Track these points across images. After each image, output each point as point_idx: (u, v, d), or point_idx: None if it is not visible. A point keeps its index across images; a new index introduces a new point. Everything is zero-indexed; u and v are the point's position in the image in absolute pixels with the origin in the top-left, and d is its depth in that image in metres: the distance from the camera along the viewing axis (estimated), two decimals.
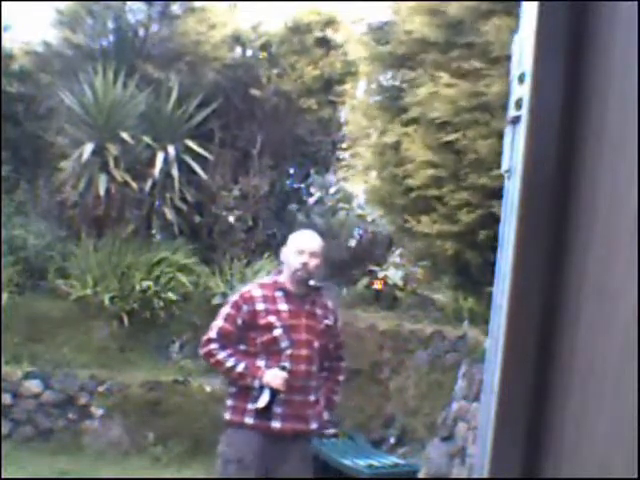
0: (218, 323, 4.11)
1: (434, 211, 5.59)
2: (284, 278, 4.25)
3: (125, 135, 9.12)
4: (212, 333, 4.09)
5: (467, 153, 5.20)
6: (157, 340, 8.59)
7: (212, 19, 10.54)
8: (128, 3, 10.44)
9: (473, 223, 5.25)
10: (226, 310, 4.14)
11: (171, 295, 8.57)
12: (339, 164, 10.70)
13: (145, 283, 8.55)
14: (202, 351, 4.14)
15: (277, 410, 4.01)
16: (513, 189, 1.01)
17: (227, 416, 4.13)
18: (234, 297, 4.24)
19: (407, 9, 5.76)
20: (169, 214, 9.60)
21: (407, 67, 5.81)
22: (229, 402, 4.14)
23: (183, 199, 9.68)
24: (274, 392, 3.97)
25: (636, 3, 0.90)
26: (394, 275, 8.97)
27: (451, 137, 5.24)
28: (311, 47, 10.47)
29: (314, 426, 4.18)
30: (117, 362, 8.19)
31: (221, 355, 4.05)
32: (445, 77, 5.19)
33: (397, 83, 6.03)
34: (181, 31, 10.32)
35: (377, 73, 6.41)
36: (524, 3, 1.02)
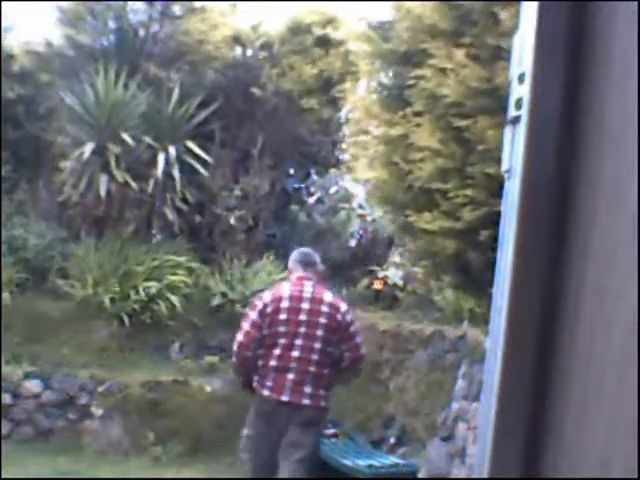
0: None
1: (437, 207, 5.58)
2: None
3: (126, 135, 9.12)
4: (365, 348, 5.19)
5: (476, 143, 5.17)
6: (157, 340, 8.58)
7: (212, 19, 10.54)
8: (129, 3, 10.45)
9: (476, 221, 5.24)
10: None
11: (172, 297, 8.57)
12: (339, 163, 10.70)
13: (145, 283, 8.55)
14: (362, 363, 5.18)
15: None
16: (513, 189, 1.01)
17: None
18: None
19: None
20: (170, 214, 9.60)
21: (410, 63, 5.80)
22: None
23: (184, 199, 9.68)
24: None
25: (636, 3, 0.90)
26: (394, 275, 8.97)
27: (462, 123, 5.21)
28: (311, 47, 10.47)
29: None
30: (117, 362, 8.19)
31: None
32: (460, 54, 5.15)
33: (399, 80, 6.03)
34: (182, 31, 10.32)
35: (379, 71, 6.41)
36: (524, 3, 1.02)
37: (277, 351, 4.83)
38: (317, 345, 4.87)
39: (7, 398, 7.56)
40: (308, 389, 4.84)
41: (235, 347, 4.91)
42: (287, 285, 5.12)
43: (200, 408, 7.72)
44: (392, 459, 6.59)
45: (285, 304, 4.87)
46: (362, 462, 6.30)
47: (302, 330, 4.85)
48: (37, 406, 7.68)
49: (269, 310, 4.85)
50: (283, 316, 4.85)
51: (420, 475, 6.23)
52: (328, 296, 5.03)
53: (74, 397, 7.74)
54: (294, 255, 5.28)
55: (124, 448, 7.55)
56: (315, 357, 4.87)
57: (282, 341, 4.84)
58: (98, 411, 7.69)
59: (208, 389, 7.87)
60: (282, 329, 4.84)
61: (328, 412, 5.18)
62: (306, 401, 4.84)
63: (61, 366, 7.92)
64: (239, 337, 4.87)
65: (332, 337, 4.90)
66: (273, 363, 4.84)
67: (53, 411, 7.70)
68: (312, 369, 4.86)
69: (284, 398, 4.81)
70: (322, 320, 4.88)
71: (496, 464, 1.01)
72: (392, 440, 7.09)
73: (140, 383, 7.80)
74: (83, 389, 7.78)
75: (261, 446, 5.01)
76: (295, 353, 4.84)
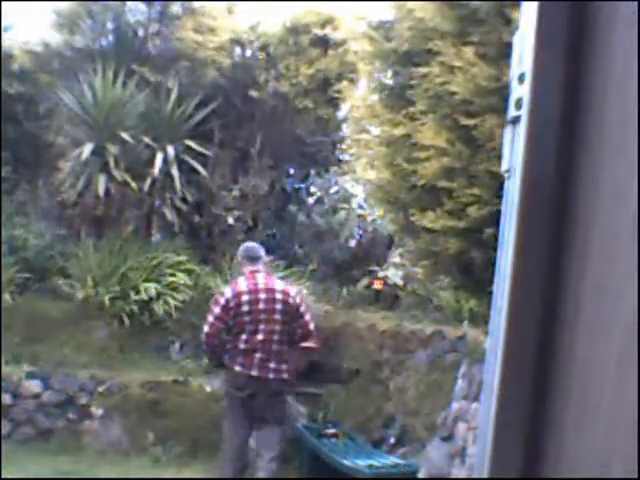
0: None
1: (440, 206, 5.57)
2: None
3: (125, 135, 9.12)
4: None
5: (484, 142, 5.16)
6: (157, 340, 8.58)
7: (211, 19, 10.53)
8: (127, 3, 10.44)
9: (481, 220, 5.23)
10: None
11: (173, 298, 8.56)
12: (339, 163, 10.69)
13: (145, 284, 8.55)
14: (313, 336, 6.06)
15: None
16: (513, 189, 1.01)
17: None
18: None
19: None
20: (169, 214, 9.60)
21: (412, 62, 5.79)
22: None
23: (183, 199, 9.67)
24: None
25: (636, 3, 0.90)
26: (394, 275, 8.97)
27: (469, 121, 5.20)
28: (308, 47, 10.45)
29: None
30: (117, 362, 8.18)
31: None
32: (469, 52, 5.15)
33: (401, 80, 6.02)
34: (180, 31, 10.31)
35: (379, 71, 6.41)
36: (524, 3, 1.02)
37: (244, 336, 5.73)
38: (277, 327, 5.78)
39: (7, 398, 7.55)
40: (272, 364, 5.75)
41: (203, 337, 5.83)
42: (243, 280, 5.91)
43: (200, 408, 7.72)
44: (392, 459, 6.59)
45: (245, 297, 5.74)
46: (362, 462, 6.29)
47: (262, 317, 5.74)
48: (37, 406, 7.67)
49: (232, 304, 5.72)
50: (245, 308, 5.72)
51: (420, 475, 6.23)
52: (279, 284, 6.01)
53: (74, 397, 7.73)
54: (240, 251, 6.11)
55: (124, 448, 7.55)
56: (276, 337, 5.79)
57: (248, 328, 5.72)
58: (98, 411, 7.69)
59: (208, 389, 7.87)
60: (246, 318, 5.72)
61: (292, 384, 6.10)
62: (271, 375, 5.75)
63: (61, 366, 7.91)
64: (205, 328, 5.78)
65: (287, 318, 5.81)
66: (242, 346, 5.73)
67: (53, 411, 7.69)
68: (275, 347, 5.77)
69: (253, 373, 5.73)
70: (277, 306, 5.79)
71: (496, 464, 1.01)
72: (392, 440, 7.09)
73: (140, 383, 7.80)
74: (83, 389, 7.77)
75: (235, 415, 5.85)
76: (259, 336, 5.74)
